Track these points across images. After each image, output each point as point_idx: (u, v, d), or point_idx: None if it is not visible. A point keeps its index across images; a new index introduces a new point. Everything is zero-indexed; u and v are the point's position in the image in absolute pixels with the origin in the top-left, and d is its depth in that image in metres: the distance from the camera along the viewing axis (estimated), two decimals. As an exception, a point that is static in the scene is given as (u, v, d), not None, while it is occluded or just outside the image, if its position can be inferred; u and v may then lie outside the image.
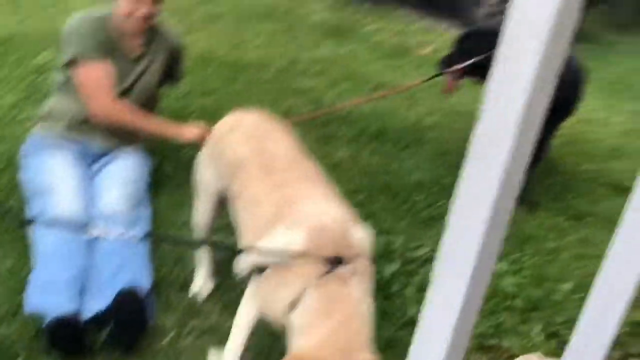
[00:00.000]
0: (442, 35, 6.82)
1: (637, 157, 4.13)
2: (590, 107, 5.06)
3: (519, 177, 0.78)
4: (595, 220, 3.20)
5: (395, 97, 4.55)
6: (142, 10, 2.46)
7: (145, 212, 2.46)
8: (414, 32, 6.72)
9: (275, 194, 1.74)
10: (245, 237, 1.81)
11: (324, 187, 1.83)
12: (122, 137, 2.60)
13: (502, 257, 2.74)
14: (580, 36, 7.96)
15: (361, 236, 1.66)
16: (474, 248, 0.78)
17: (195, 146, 2.79)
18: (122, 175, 2.46)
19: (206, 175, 2.12)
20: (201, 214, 2.18)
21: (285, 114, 3.92)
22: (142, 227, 2.36)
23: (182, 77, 2.97)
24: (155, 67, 2.67)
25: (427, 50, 6.14)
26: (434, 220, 2.96)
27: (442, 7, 8.30)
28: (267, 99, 4.11)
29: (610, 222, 2.79)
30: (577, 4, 0.67)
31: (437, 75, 3.55)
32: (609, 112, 5.05)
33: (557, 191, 3.47)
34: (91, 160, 2.54)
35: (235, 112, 2.22)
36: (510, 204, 0.77)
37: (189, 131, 2.60)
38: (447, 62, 3.56)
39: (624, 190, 3.60)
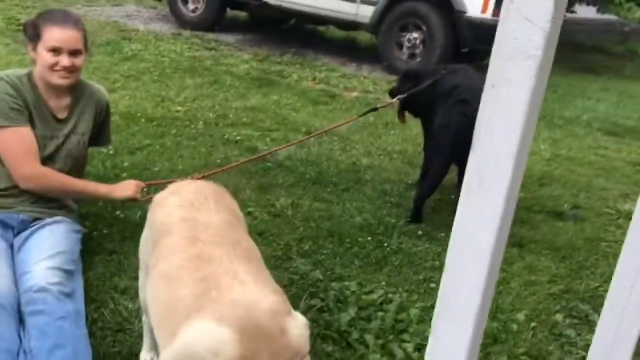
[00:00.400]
0: (366, 80, 6.98)
1: (565, 183, 4.29)
2: (515, 137, 5.26)
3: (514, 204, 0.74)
4: (537, 246, 3.25)
5: (330, 142, 4.56)
6: (64, 62, 2.30)
7: (79, 284, 2.26)
8: (337, 79, 6.84)
9: (199, 270, 1.45)
10: (158, 320, 1.52)
11: (256, 266, 1.57)
12: (48, 204, 2.41)
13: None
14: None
15: (298, 332, 1.36)
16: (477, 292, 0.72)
17: (131, 203, 2.68)
18: (50, 245, 2.26)
19: (144, 245, 1.91)
20: (143, 293, 1.94)
21: (221, 167, 3.83)
22: (76, 301, 2.15)
23: (110, 138, 2.82)
24: (83, 127, 2.52)
25: (353, 94, 6.25)
26: (384, 261, 2.90)
27: (362, 54, 8.55)
28: (199, 153, 4.00)
29: (551, 248, 2.85)
30: (559, 29, 0.64)
31: (372, 110, 3.64)
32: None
33: (497, 221, 3.51)
34: (15, 232, 2.32)
35: (180, 181, 2.07)
36: (507, 233, 0.73)
37: (122, 188, 2.47)
38: (391, 95, 3.81)
39: (558, 215, 3.72)
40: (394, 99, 3.66)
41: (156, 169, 3.62)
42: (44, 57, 2.30)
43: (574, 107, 6.99)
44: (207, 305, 1.34)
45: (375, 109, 3.68)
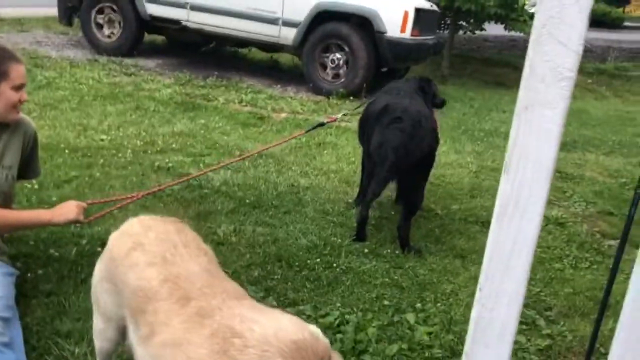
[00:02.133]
0: (293, 101, 7.00)
1: (494, 193, 4.45)
2: (442, 151, 5.45)
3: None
4: (478, 256, 3.35)
5: (265, 164, 4.51)
6: (24, 97, 2.30)
7: (17, 332, 2.08)
8: (264, 100, 6.81)
9: (206, 327, 1.41)
10: None
11: (250, 300, 1.58)
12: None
13: (404, 309, 2.74)
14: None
15: (322, 336, 1.44)
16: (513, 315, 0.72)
17: (75, 225, 2.54)
18: (-17, 292, 2.07)
19: (104, 299, 1.76)
20: (101, 341, 1.84)
21: (155, 196, 3.69)
22: (15, 350, 1.98)
23: (39, 170, 2.66)
24: (10, 160, 2.35)
25: (282, 115, 6.24)
26: (336, 282, 2.89)
27: (286, 75, 8.59)
28: (130, 182, 3.84)
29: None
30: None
31: (320, 125, 3.70)
32: (458, 155, 5.46)
33: (437, 235, 3.60)
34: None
35: (134, 221, 1.81)
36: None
37: (64, 212, 2.34)
38: None
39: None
40: (339, 115, 3.74)
41: (88, 200, 3.42)
42: (9, 95, 2.24)
43: (491, 120, 7.34)
44: (240, 354, 1.31)
45: (322, 124, 3.72)
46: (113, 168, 4.07)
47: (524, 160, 0.60)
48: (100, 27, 8.16)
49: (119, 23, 8.09)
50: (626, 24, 20.06)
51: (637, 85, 11.51)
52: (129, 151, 4.44)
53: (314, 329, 1.44)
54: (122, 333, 1.75)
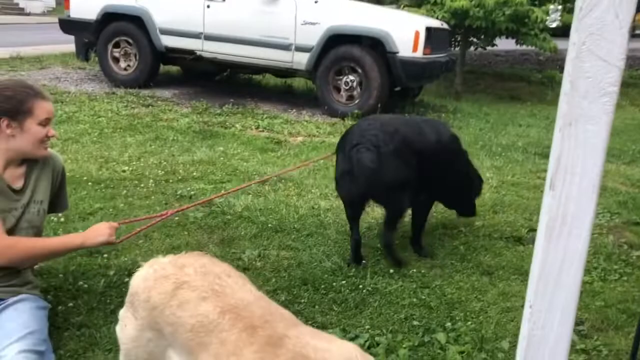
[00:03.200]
0: (309, 124, 7.04)
1: (517, 208, 4.44)
2: (461, 168, 5.43)
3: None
4: (505, 272, 3.32)
5: (285, 188, 4.53)
6: (51, 132, 2.35)
7: (51, 365, 2.11)
8: (280, 125, 6.87)
9: (280, 356, 1.41)
10: None
11: (308, 326, 1.63)
12: (10, 281, 2.25)
13: (434, 329, 2.71)
14: (428, 108, 8.69)
15: None
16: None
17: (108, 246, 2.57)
18: (18, 326, 2.10)
19: (147, 350, 1.70)
20: None
21: (180, 224, 3.72)
22: (50, 383, 2.00)
23: (67, 203, 2.71)
24: (41, 195, 2.40)
25: (299, 139, 6.29)
26: (363, 303, 2.87)
27: (300, 99, 8.67)
28: (154, 212, 3.87)
29: (519, 272, 2.92)
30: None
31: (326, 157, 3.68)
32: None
33: (462, 252, 3.57)
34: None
35: (162, 263, 1.76)
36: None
37: (95, 235, 2.36)
38: None
39: (518, 240, 3.82)
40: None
41: (119, 221, 3.47)
42: (36, 131, 2.29)
43: (508, 134, 7.31)
44: None
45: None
46: (136, 198, 4.12)
47: (570, 175, 0.60)
48: (116, 60, 8.33)
49: (135, 56, 8.25)
50: (637, 32, 20.00)
51: (654, 93, 11.42)
52: (150, 181, 4.49)
53: (370, 357, 1.49)
54: None
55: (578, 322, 2.85)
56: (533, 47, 9.89)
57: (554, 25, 9.08)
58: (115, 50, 8.30)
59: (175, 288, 1.63)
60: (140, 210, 3.88)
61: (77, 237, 2.41)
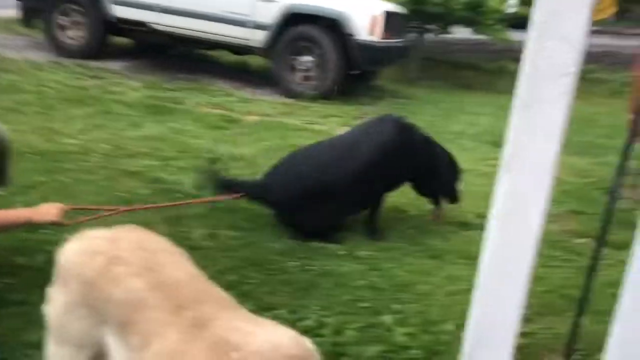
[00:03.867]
0: (264, 103, 6.96)
1: (466, 194, 4.50)
2: (414, 153, 5.48)
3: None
4: (452, 256, 3.38)
5: (237, 167, 4.46)
6: None
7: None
8: (235, 103, 6.76)
9: (202, 339, 1.37)
10: None
11: (242, 310, 1.56)
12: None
13: (382, 311, 2.74)
14: (382, 93, 8.73)
15: (318, 356, 1.45)
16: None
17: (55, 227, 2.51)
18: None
19: (78, 327, 1.63)
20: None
21: (127, 201, 3.62)
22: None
23: (11, 178, 2.58)
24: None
25: (254, 117, 6.20)
26: (313, 285, 2.87)
27: (256, 77, 8.55)
28: (100, 187, 3.75)
29: (466, 257, 2.97)
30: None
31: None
32: (429, 156, 5.49)
33: (412, 235, 3.61)
34: None
35: (95, 238, 1.68)
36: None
37: (44, 212, 2.33)
38: None
39: (466, 225, 3.89)
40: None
41: (69, 205, 3.34)
42: None
43: (459, 122, 7.41)
44: None
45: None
46: (81, 173, 3.97)
47: (526, 158, 0.59)
48: (64, 29, 7.98)
49: (84, 25, 7.92)
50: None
51: (600, 87, 11.79)
52: (97, 155, 4.34)
53: (308, 342, 1.44)
54: None
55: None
56: (488, 37, 10.04)
57: (511, 11, 9.21)
58: (62, 18, 7.94)
59: (108, 263, 1.57)
60: (86, 185, 3.75)
61: (24, 212, 2.32)
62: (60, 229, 2.49)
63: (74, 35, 8.00)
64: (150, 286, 1.50)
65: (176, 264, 1.59)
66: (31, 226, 2.55)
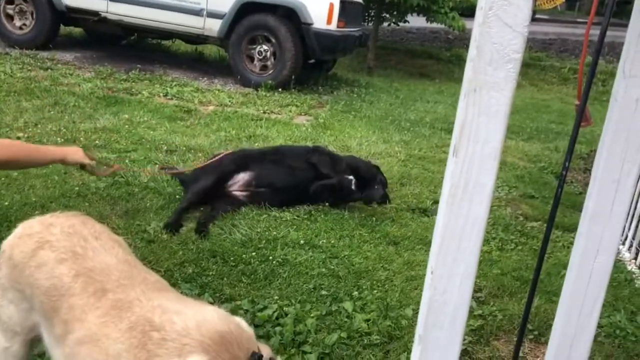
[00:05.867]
0: (221, 93, 6.88)
1: (422, 181, 4.58)
2: (372, 141, 5.53)
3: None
4: (410, 242, 3.42)
5: (195, 157, 4.41)
6: None
7: None
8: (190, 93, 6.66)
9: (124, 320, 1.34)
10: None
11: (173, 292, 1.53)
12: None
13: (342, 298, 2.76)
14: (340, 82, 8.73)
15: (248, 326, 1.43)
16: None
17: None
18: None
19: (9, 313, 1.60)
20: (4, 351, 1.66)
21: (80, 195, 3.53)
22: None
23: None
24: None
25: (210, 108, 6.12)
26: (272, 275, 2.86)
27: (212, 67, 8.43)
28: (52, 181, 3.65)
29: (422, 242, 3.01)
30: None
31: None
32: (387, 144, 5.55)
33: (372, 223, 3.64)
34: None
35: (31, 222, 1.67)
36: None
37: (74, 152, 2.43)
38: None
39: (423, 212, 3.95)
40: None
41: (6, 203, 3.23)
42: None
43: (416, 110, 7.51)
44: (158, 348, 1.23)
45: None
46: (32, 168, 3.84)
47: (473, 142, 0.60)
48: (10, 18, 7.70)
49: (32, 14, 7.66)
50: (538, 16, 21.12)
51: (551, 74, 12.12)
52: (48, 149, 4.21)
53: (238, 319, 1.41)
54: (30, 347, 1.64)
55: (476, 290, 3.00)
56: (443, 26, 10.17)
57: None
58: (8, 6, 7.67)
59: (37, 248, 1.55)
60: (37, 180, 3.64)
61: (58, 150, 2.42)
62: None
63: (22, 24, 7.72)
64: (75, 272, 1.48)
65: (106, 250, 1.56)
66: (63, 164, 2.63)
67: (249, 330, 1.38)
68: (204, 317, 1.33)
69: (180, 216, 3.38)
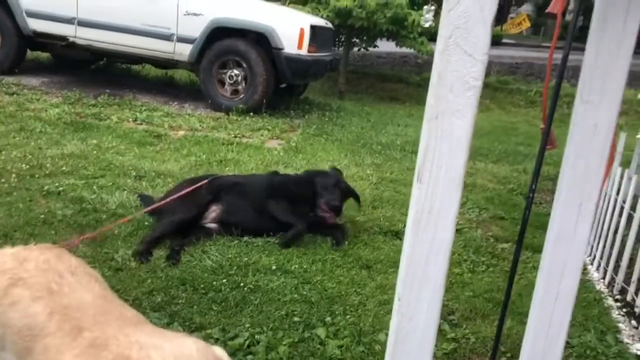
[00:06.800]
0: (191, 118, 6.85)
1: (394, 204, 4.60)
2: (344, 165, 5.54)
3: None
4: (383, 265, 3.42)
5: (164, 184, 4.35)
6: None
7: None
8: (160, 118, 6.61)
9: (102, 358, 1.31)
10: None
11: (149, 326, 1.51)
12: None
13: (315, 324, 2.73)
14: (311, 106, 8.78)
15: (227, 358, 1.42)
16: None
17: None
18: None
19: None
20: None
21: (46, 222, 3.45)
22: None
23: None
24: None
25: (180, 133, 6.08)
26: (244, 302, 2.82)
27: (182, 92, 8.41)
28: (17, 209, 3.56)
29: (395, 265, 2.98)
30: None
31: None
32: (358, 167, 5.57)
33: (344, 246, 3.63)
34: None
35: (3, 255, 1.62)
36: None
37: None
38: None
39: (395, 234, 3.96)
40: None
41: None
42: None
43: (387, 133, 7.58)
44: None
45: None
46: (-5, 195, 3.76)
47: (436, 168, 0.60)
48: (-25, 43, 7.58)
49: (-3, 39, 7.56)
50: (504, 40, 21.69)
51: (518, 97, 12.39)
52: (13, 176, 4.12)
53: (218, 351, 1.38)
54: None
55: (449, 312, 3.00)
56: (412, 50, 10.35)
57: (427, 25, 9.53)
58: (-27, 31, 7.55)
59: (10, 285, 1.49)
60: (0, 208, 3.55)
61: None
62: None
63: (-14, 49, 7.61)
64: (50, 310, 1.43)
65: (83, 285, 1.52)
66: None
67: None
68: (182, 350, 1.31)
69: (151, 245, 3.31)
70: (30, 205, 3.66)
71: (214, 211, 3.70)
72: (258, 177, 4.16)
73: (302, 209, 3.82)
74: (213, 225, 3.67)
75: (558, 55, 1.37)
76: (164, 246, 3.35)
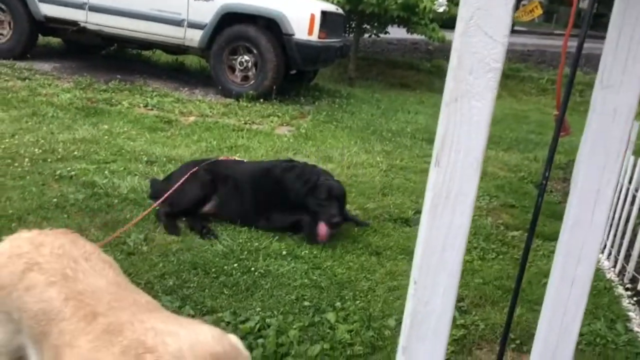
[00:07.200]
0: (202, 103, 6.85)
1: (404, 191, 4.59)
2: (354, 152, 5.53)
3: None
4: (392, 252, 3.43)
5: (175, 167, 4.37)
6: None
7: None
8: (171, 104, 6.62)
9: (116, 344, 1.31)
10: None
11: (164, 312, 1.52)
12: None
13: (324, 309, 2.74)
14: (321, 92, 8.75)
15: (241, 344, 1.41)
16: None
17: None
18: None
19: None
20: None
21: (59, 206, 3.48)
22: None
23: None
24: None
25: (191, 119, 6.09)
26: (254, 286, 2.84)
27: (193, 77, 8.41)
28: (30, 193, 3.59)
29: (405, 252, 3.01)
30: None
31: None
32: (368, 155, 5.57)
33: (354, 233, 3.64)
34: None
35: (19, 239, 1.63)
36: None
37: None
38: None
39: (405, 222, 3.96)
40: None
41: (-20, 216, 3.17)
42: None
43: (398, 121, 7.55)
44: None
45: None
46: (9, 178, 3.79)
47: (454, 152, 0.60)
48: (-13, 28, 7.61)
49: (9, 24, 7.58)
50: (516, 28, 21.47)
51: (529, 85, 12.28)
52: (26, 160, 4.15)
53: (234, 339, 1.39)
54: None
55: (459, 299, 3.00)
56: (423, 37, 10.26)
57: (441, 10, 9.42)
58: (-15, 16, 7.58)
59: (26, 269, 1.51)
60: (14, 192, 3.58)
61: None
62: None
63: (-1, 34, 7.64)
64: (65, 295, 1.44)
65: (97, 272, 1.53)
66: None
67: (245, 351, 1.36)
68: (198, 338, 1.31)
69: (174, 222, 3.45)
70: (43, 189, 3.69)
71: (210, 205, 3.70)
72: (248, 165, 4.05)
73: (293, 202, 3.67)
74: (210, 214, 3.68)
75: (571, 43, 1.36)
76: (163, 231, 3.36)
